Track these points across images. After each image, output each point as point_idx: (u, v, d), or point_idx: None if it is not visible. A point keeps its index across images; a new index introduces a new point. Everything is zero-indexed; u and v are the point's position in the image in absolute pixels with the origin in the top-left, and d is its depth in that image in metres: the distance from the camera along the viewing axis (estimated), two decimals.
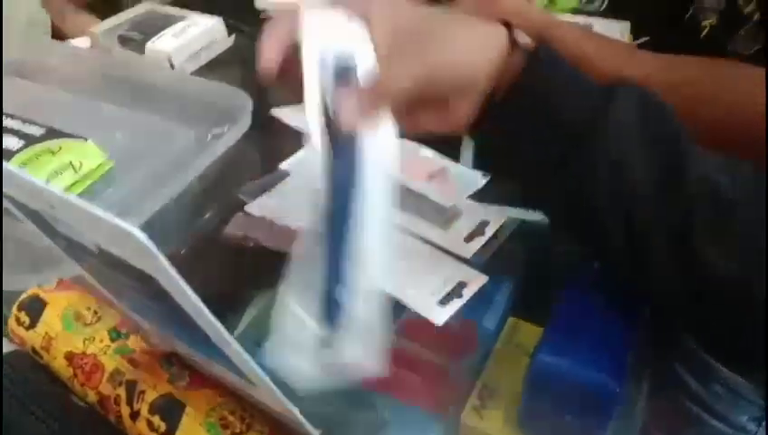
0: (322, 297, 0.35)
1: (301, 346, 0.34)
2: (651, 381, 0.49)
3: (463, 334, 0.51)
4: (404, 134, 0.43)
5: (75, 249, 0.33)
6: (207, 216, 0.60)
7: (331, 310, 0.34)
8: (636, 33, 0.84)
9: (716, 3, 0.69)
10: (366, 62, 0.38)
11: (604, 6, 0.89)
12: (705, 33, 0.71)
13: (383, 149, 0.38)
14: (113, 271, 0.31)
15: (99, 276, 0.37)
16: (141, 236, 0.22)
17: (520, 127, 0.41)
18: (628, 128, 0.39)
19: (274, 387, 0.32)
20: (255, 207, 0.58)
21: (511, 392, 0.47)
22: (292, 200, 0.59)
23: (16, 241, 0.53)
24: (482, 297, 0.51)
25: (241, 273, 0.56)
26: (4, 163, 0.28)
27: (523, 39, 0.42)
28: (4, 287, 0.50)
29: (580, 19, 0.86)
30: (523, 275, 0.56)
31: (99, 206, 0.24)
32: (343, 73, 0.37)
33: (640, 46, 0.80)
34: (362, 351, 0.34)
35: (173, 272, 0.24)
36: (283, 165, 0.62)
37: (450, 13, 0.47)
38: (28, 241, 0.53)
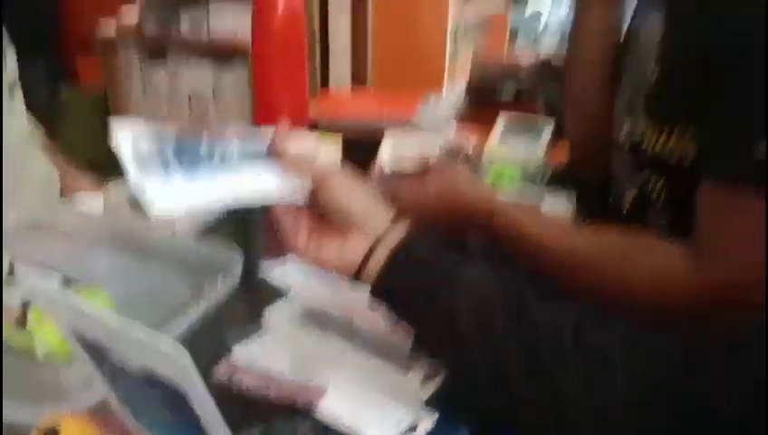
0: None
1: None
2: None
3: None
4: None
5: (115, 371, 0.42)
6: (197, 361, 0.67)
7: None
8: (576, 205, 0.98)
9: (631, 184, 0.82)
10: None
11: (545, 182, 1.04)
12: (627, 208, 0.84)
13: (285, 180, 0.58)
14: (147, 389, 0.40)
15: (127, 397, 0.45)
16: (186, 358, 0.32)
17: (399, 282, 0.57)
18: (482, 283, 0.55)
19: None
20: (240, 354, 0.66)
21: None
22: (273, 347, 0.67)
23: (27, 378, 0.60)
24: None
25: (226, 415, 0.63)
26: (75, 297, 0.37)
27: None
28: (16, 420, 0.56)
29: (528, 191, 1.00)
30: (477, 417, 0.61)
31: None
32: None
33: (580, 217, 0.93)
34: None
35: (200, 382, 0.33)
36: (266, 315, 0.72)
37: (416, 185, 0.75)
38: (38, 376, 0.60)
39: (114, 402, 0.49)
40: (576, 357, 0.49)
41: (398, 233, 0.58)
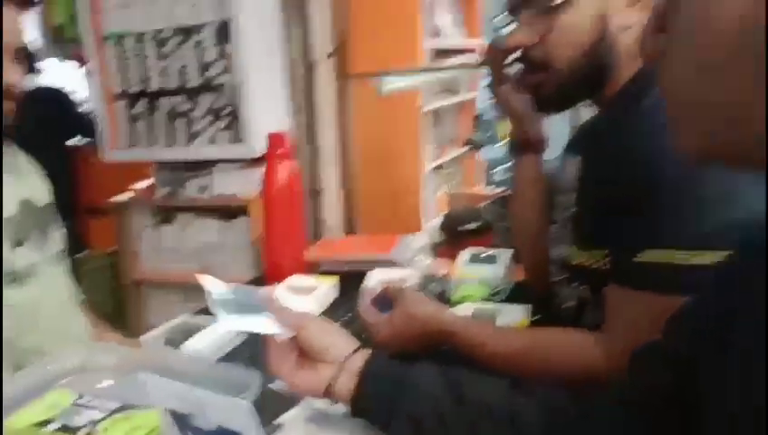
0: None
1: None
2: None
3: None
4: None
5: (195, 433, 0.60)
6: None
7: None
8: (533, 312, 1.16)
9: (570, 297, 1.02)
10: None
11: (506, 296, 1.24)
12: (570, 313, 1.03)
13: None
14: None
15: None
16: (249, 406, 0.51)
17: (367, 401, 0.78)
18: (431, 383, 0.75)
19: None
20: None
21: None
22: None
23: None
24: None
25: None
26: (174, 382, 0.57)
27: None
28: None
29: (490, 306, 1.19)
30: None
31: None
32: None
33: (534, 322, 1.12)
34: None
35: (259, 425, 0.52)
36: (279, 420, 0.89)
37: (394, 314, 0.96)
38: None
39: None
40: (507, 425, 0.69)
41: (357, 361, 0.80)
